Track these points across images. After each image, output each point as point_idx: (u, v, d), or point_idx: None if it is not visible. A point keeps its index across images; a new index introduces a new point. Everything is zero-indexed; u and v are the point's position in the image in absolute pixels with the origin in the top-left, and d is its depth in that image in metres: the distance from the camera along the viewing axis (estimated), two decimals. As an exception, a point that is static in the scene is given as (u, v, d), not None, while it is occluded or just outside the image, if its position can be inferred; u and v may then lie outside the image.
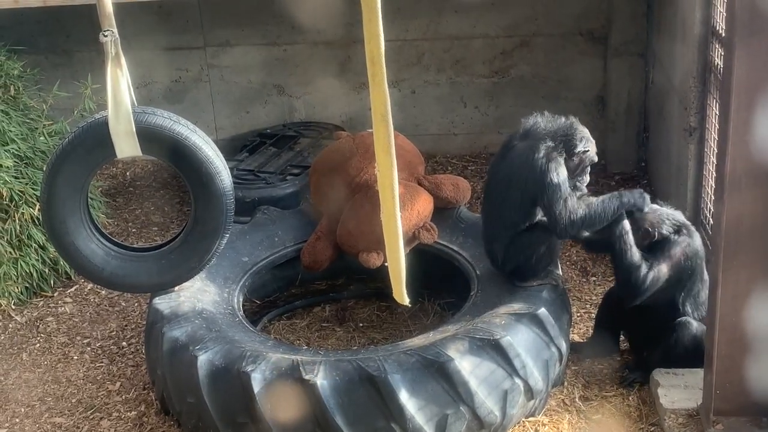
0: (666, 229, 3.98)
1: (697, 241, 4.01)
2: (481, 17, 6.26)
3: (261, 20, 6.18)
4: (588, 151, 4.06)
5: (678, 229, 3.99)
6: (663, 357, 4.02)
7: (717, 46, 4.54)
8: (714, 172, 4.47)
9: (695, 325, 3.97)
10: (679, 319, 3.98)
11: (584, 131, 4.08)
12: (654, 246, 3.99)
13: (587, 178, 4.16)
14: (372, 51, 2.99)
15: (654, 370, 4.01)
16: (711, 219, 4.54)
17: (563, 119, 4.06)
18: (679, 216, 4.06)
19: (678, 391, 3.88)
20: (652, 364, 4.06)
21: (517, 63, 6.35)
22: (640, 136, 6.17)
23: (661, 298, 3.99)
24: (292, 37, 6.38)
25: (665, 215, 4.04)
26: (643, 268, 3.93)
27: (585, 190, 4.15)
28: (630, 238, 3.95)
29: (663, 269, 3.95)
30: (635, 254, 3.94)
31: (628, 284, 3.96)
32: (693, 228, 4.04)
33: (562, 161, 3.97)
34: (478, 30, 6.30)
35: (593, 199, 4.00)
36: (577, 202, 3.95)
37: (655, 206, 4.08)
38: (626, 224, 3.96)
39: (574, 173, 4.06)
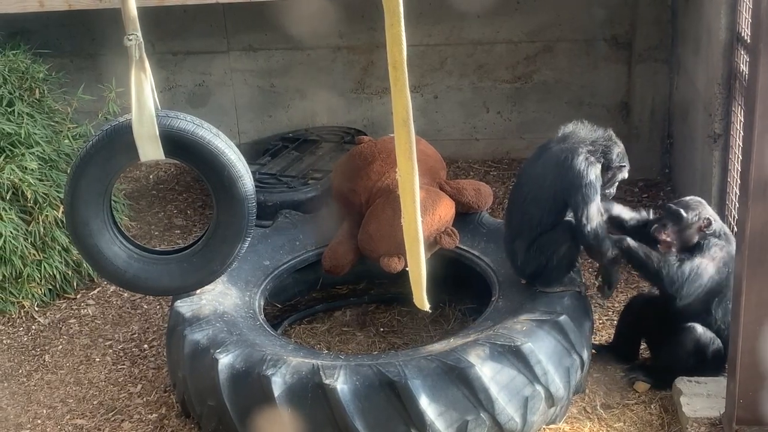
0: (718, 227, 3.97)
1: (733, 247, 3.96)
2: (505, 23, 6.25)
3: (284, 25, 6.19)
4: (624, 166, 4.10)
5: (721, 235, 3.98)
6: (665, 359, 4.02)
7: (742, 52, 4.50)
8: (738, 179, 4.43)
9: (700, 331, 3.94)
10: (685, 324, 3.96)
11: (622, 146, 4.11)
12: (695, 247, 3.98)
13: (614, 192, 4.19)
14: (394, 56, 2.99)
15: (677, 378, 3.99)
16: (735, 226, 4.51)
17: (602, 130, 4.07)
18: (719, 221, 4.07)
19: (700, 399, 3.85)
20: (655, 366, 4.08)
21: (540, 68, 6.33)
22: (664, 143, 6.13)
23: (696, 303, 3.96)
24: (314, 42, 6.39)
25: (717, 216, 4.06)
26: (674, 262, 3.90)
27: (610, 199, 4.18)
28: (641, 249, 3.95)
29: (707, 267, 3.91)
30: (655, 256, 3.93)
31: (667, 283, 3.93)
32: (731, 235, 4.02)
33: (599, 167, 3.98)
34: (501, 35, 6.29)
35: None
36: (602, 220, 3.97)
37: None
38: (629, 242, 3.97)
39: (604, 185, 4.07)
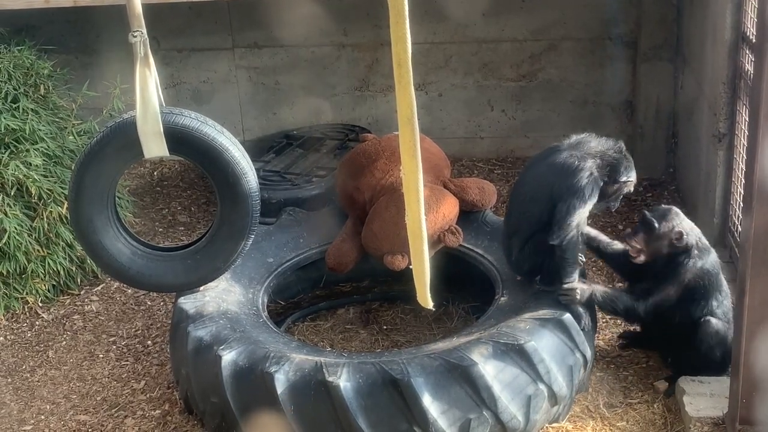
0: (692, 240, 3.96)
1: (709, 259, 3.97)
2: (510, 21, 6.25)
3: (289, 22, 6.20)
4: (630, 180, 4.09)
5: (689, 249, 3.96)
6: (692, 358, 3.99)
7: (747, 51, 4.50)
8: (743, 179, 4.43)
9: (714, 322, 3.95)
10: (702, 319, 3.96)
11: (631, 160, 4.10)
12: (664, 265, 3.98)
13: (617, 205, 4.20)
14: (399, 54, 2.99)
15: (680, 378, 3.99)
16: (739, 226, 4.50)
17: (612, 141, 4.07)
18: (702, 236, 4.05)
19: (704, 399, 3.85)
20: (681, 368, 4.05)
21: (545, 67, 6.33)
22: (669, 142, 6.13)
23: (679, 314, 3.98)
24: (319, 39, 6.39)
25: (695, 227, 4.03)
26: (640, 305, 3.99)
27: (601, 211, 4.21)
28: (606, 298, 4.01)
29: (669, 292, 3.96)
30: (623, 300, 4.00)
31: (635, 322, 4.19)
32: (708, 246, 4.02)
33: (602, 184, 3.99)
34: (506, 33, 6.29)
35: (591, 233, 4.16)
36: (579, 235, 3.98)
37: (683, 215, 4.06)
38: (596, 292, 4.02)
39: (607, 197, 4.08)
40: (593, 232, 4.25)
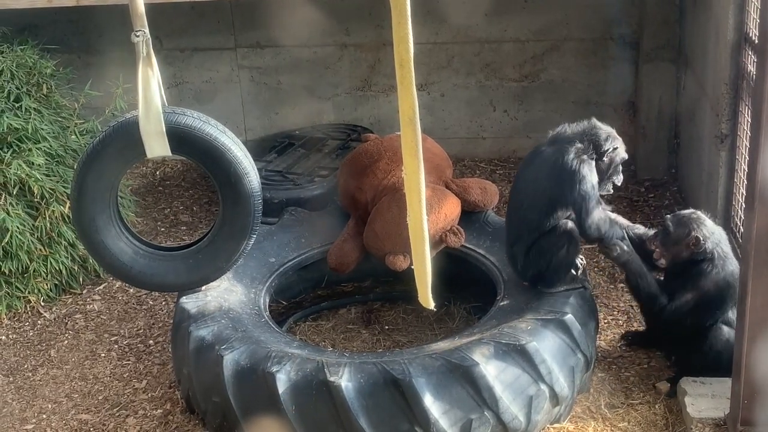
0: (710, 246, 3.94)
1: (729, 269, 3.95)
2: (512, 21, 6.25)
3: (291, 22, 6.20)
4: (617, 148, 4.07)
5: (713, 257, 3.95)
6: (699, 361, 3.99)
7: (750, 52, 4.50)
8: (745, 180, 4.43)
9: (726, 330, 3.95)
10: (712, 325, 3.96)
11: (608, 129, 4.09)
12: (687, 269, 3.97)
13: (621, 177, 4.17)
14: (401, 54, 2.99)
15: (681, 379, 3.99)
16: (741, 227, 4.50)
17: (585, 122, 4.07)
18: (725, 242, 4.03)
19: (705, 400, 3.85)
20: (686, 370, 4.05)
21: (547, 67, 6.33)
22: (671, 143, 6.12)
23: (690, 320, 3.98)
24: (321, 39, 6.39)
25: (717, 233, 4.01)
26: (662, 300, 3.98)
27: (611, 190, 4.18)
28: (636, 265, 4.00)
29: (687, 298, 3.96)
30: (651, 284, 4.00)
31: (650, 313, 4.12)
32: (731, 256, 4.00)
33: (593, 164, 3.98)
34: (509, 34, 6.28)
35: (610, 215, 4.10)
36: (602, 211, 4.00)
37: (708, 220, 4.04)
38: (625, 248, 4.02)
39: (606, 173, 4.08)
40: (612, 215, 4.20)
